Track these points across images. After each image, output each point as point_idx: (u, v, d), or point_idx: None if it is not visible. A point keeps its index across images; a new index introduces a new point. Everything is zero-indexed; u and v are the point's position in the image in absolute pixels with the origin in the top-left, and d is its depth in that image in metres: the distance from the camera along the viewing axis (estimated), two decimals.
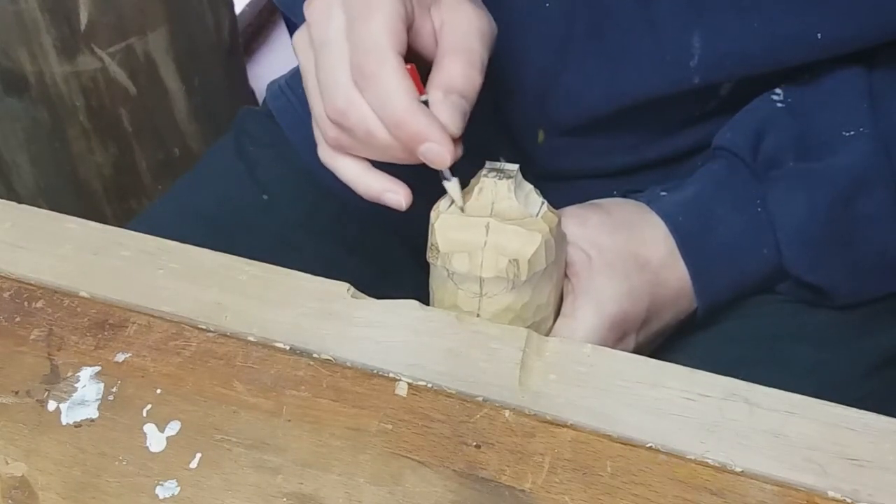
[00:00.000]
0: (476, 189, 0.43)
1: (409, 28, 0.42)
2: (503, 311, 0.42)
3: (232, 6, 1.33)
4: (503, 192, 0.42)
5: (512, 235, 0.41)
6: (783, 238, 0.49)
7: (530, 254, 0.41)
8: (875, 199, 0.48)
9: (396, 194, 0.43)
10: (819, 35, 0.47)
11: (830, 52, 0.48)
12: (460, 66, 0.41)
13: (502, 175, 0.43)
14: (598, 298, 0.45)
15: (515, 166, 0.44)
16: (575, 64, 0.52)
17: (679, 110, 0.54)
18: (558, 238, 0.43)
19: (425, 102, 0.41)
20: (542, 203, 0.43)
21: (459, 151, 0.41)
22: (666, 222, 0.49)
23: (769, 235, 0.49)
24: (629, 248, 0.48)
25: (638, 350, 0.48)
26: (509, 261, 0.41)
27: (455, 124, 0.40)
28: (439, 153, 0.40)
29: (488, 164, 0.44)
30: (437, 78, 0.41)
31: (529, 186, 0.44)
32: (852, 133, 0.48)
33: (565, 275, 0.46)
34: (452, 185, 0.43)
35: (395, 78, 0.40)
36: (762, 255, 0.50)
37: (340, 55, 0.41)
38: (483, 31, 0.42)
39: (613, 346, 0.46)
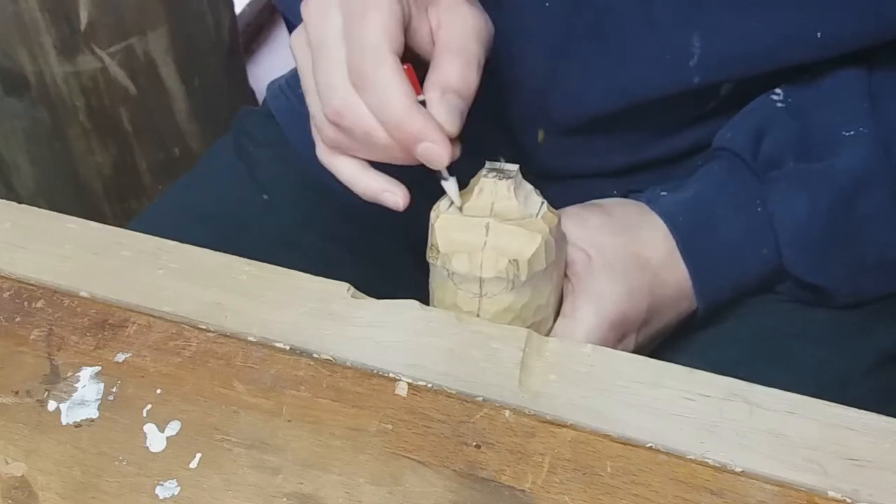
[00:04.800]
0: (476, 189, 0.43)
1: (406, 28, 0.42)
2: (503, 312, 0.42)
3: (232, 6, 1.33)
4: (503, 192, 0.42)
5: (512, 236, 0.41)
6: (784, 238, 0.49)
7: (530, 254, 0.41)
8: (875, 199, 0.48)
9: (394, 195, 0.43)
10: (819, 34, 0.47)
11: (830, 52, 0.48)
12: (457, 66, 0.41)
13: (502, 175, 0.43)
14: (598, 299, 0.45)
15: (515, 166, 0.44)
16: (575, 63, 0.52)
17: (679, 110, 0.54)
18: (558, 238, 0.43)
19: (422, 102, 0.41)
20: (542, 203, 0.43)
21: (457, 151, 0.41)
22: (666, 222, 0.49)
23: (769, 236, 0.49)
24: (629, 249, 0.48)
25: (638, 350, 0.48)
26: (509, 261, 0.41)
27: (452, 124, 0.40)
28: (437, 153, 0.40)
29: (488, 165, 0.44)
30: (434, 78, 0.41)
31: (529, 187, 0.44)
32: (852, 133, 0.48)
33: (565, 275, 0.46)
34: (450, 185, 0.43)
35: (392, 78, 0.40)
36: (762, 256, 0.49)
37: (337, 56, 0.41)
38: (480, 30, 0.42)
39: (613, 347, 0.46)
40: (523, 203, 0.42)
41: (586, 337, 0.45)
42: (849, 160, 0.48)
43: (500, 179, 0.43)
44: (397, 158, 0.42)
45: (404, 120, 0.40)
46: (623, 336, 0.47)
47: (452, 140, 0.41)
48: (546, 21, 0.51)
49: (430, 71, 0.42)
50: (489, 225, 0.41)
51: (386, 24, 0.40)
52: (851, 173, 0.48)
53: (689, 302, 0.50)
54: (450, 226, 0.42)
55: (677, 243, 0.49)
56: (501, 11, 0.51)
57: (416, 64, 0.42)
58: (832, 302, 0.52)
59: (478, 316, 0.42)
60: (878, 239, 0.49)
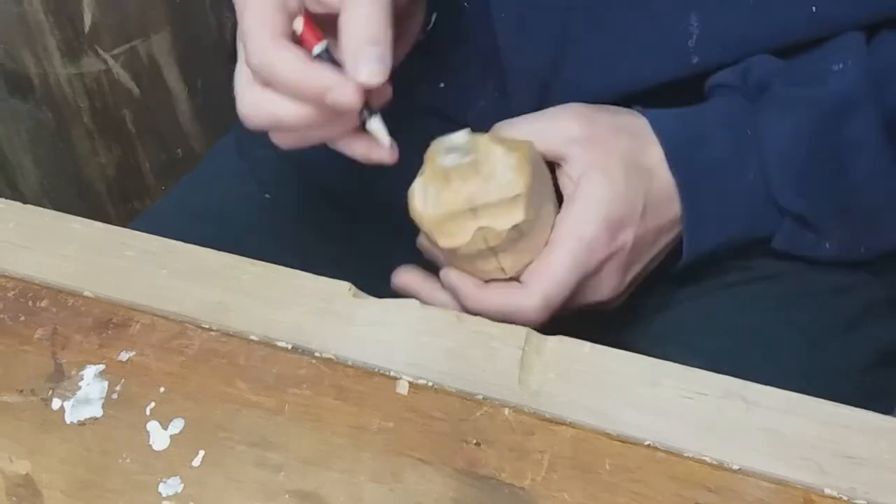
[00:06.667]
0: (442, 176, 0.43)
1: (303, 9, 0.44)
2: (521, 250, 0.44)
3: (234, 8, 1.33)
4: (469, 173, 0.43)
5: (498, 213, 0.43)
6: (769, 159, 0.48)
7: (521, 217, 0.43)
8: (861, 125, 0.48)
9: (381, 150, 0.44)
10: (814, 9, 0.47)
11: (827, 30, 0.48)
12: (363, 17, 0.42)
13: (460, 152, 0.43)
14: (596, 194, 0.46)
15: (464, 138, 0.44)
16: (574, 53, 0.52)
17: (679, 98, 0.54)
18: (536, 164, 0.44)
19: (327, 51, 0.43)
20: (506, 153, 0.43)
21: (388, 93, 0.43)
22: (655, 129, 0.49)
23: (755, 159, 0.48)
24: (631, 154, 0.48)
25: (635, 254, 0.48)
26: (508, 229, 0.43)
27: (375, 73, 0.41)
28: (343, 94, 0.41)
29: (438, 145, 0.44)
30: (344, 37, 0.42)
31: (484, 142, 0.44)
32: (841, 66, 0.48)
33: (562, 176, 0.48)
34: (374, 123, 0.43)
35: (276, 54, 0.42)
36: (748, 181, 0.49)
37: (240, 60, 0.44)
38: None
39: (613, 238, 0.46)
40: (491, 169, 0.43)
41: (586, 225, 0.45)
42: (837, 86, 0.48)
43: (462, 159, 0.43)
44: (331, 132, 0.44)
45: (301, 79, 0.42)
46: (621, 227, 0.47)
47: (381, 87, 0.42)
48: (544, 13, 0.51)
49: (339, 32, 0.43)
50: (475, 212, 0.43)
51: (260, 15, 0.43)
52: (839, 97, 0.47)
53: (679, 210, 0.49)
54: (441, 222, 0.43)
55: (665, 153, 0.48)
56: (500, 4, 0.51)
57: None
58: (825, 251, 0.51)
59: (502, 269, 0.45)
60: (863, 168, 0.48)
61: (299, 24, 0.43)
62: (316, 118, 0.43)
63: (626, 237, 0.47)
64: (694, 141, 0.49)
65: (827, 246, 0.51)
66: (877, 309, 0.55)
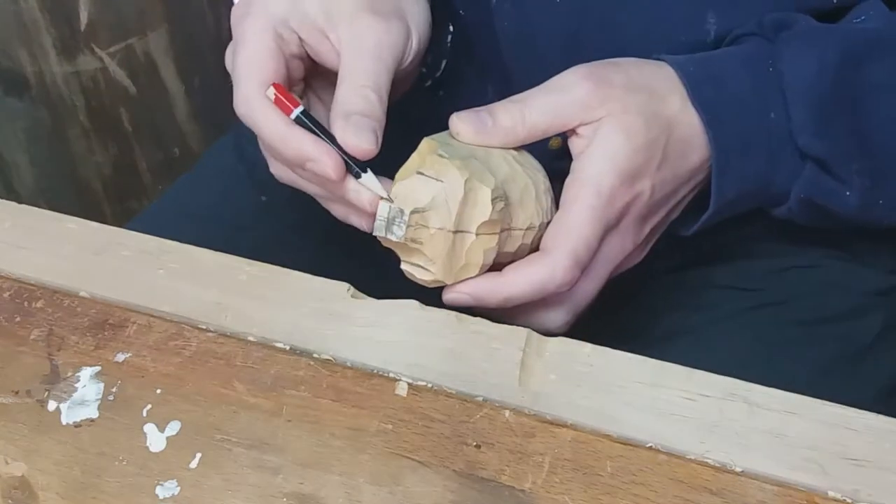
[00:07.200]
0: (411, 246, 0.43)
1: (296, 55, 0.46)
2: (518, 201, 0.44)
3: (232, 6, 1.33)
4: (421, 220, 0.42)
5: (472, 210, 0.42)
6: (791, 96, 0.47)
7: (488, 189, 0.42)
8: (886, 66, 0.47)
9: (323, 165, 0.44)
10: (835, 0, 0.46)
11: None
12: (355, 91, 0.43)
13: (396, 219, 0.42)
14: (613, 146, 0.45)
15: (386, 209, 0.42)
16: (589, 57, 0.51)
17: None
18: (443, 145, 0.43)
19: (303, 114, 0.43)
20: (418, 176, 0.42)
21: (375, 149, 0.43)
22: (676, 71, 0.47)
23: (777, 97, 0.47)
24: (649, 107, 0.46)
25: (653, 203, 0.46)
26: (491, 209, 0.42)
27: (366, 141, 0.42)
28: (320, 169, 0.43)
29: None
30: (336, 108, 0.43)
31: (400, 189, 0.43)
32: (863, 18, 0.48)
33: (573, 137, 0.46)
34: (368, 178, 0.43)
35: (259, 110, 0.43)
36: (770, 120, 0.47)
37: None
38: (381, 46, 0.44)
39: (628, 190, 0.45)
40: (430, 197, 0.42)
41: (602, 177, 0.44)
42: (864, 24, 0.47)
43: (403, 219, 0.42)
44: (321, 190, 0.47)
45: (280, 147, 0.43)
46: (638, 176, 0.45)
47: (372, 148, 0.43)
48: (558, 15, 0.51)
49: (333, 100, 0.43)
50: (461, 232, 0.42)
51: (251, 59, 0.44)
52: (865, 34, 0.47)
53: (701, 154, 0.48)
54: (455, 270, 0.43)
55: (687, 91, 0.47)
56: (513, 9, 0.51)
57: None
58: (844, 197, 0.49)
59: (529, 228, 0.44)
60: (883, 112, 0.47)
61: (271, 94, 0.44)
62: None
63: (643, 186, 0.45)
64: (714, 80, 0.47)
65: (848, 194, 0.49)
66: (891, 334, 0.54)
